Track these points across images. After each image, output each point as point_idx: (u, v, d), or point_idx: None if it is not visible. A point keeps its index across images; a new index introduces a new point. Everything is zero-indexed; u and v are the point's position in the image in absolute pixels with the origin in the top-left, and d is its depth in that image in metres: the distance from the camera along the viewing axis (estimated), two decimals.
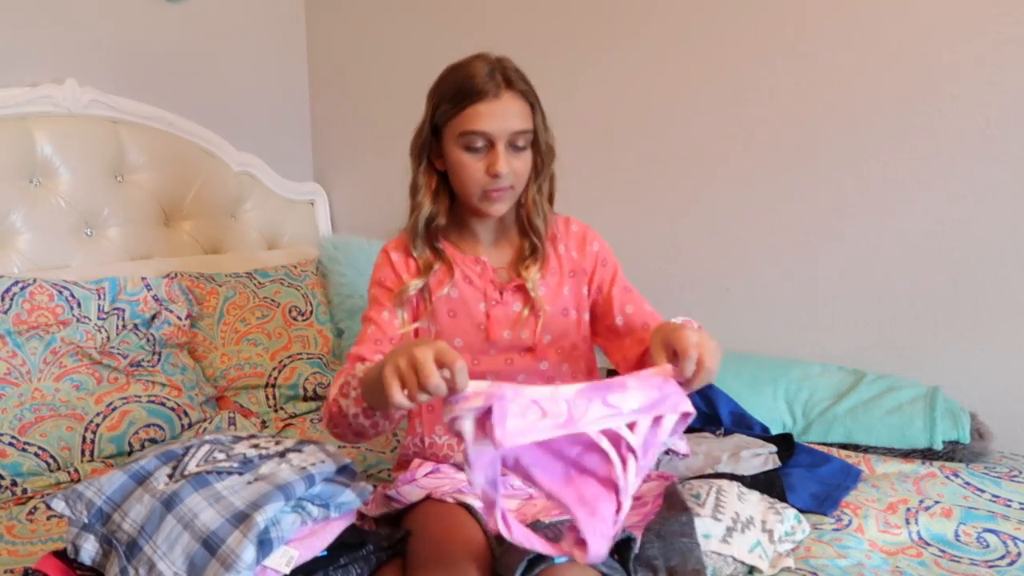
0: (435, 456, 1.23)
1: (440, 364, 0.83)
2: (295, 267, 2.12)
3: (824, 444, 1.56)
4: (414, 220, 1.23)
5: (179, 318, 1.78)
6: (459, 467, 1.21)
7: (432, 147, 1.21)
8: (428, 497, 1.14)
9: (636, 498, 1.19)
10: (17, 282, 1.61)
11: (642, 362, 1.16)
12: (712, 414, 1.61)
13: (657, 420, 0.89)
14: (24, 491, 1.40)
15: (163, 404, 1.60)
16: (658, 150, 1.94)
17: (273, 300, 1.97)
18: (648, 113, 1.94)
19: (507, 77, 1.15)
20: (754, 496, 1.25)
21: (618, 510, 0.87)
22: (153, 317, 1.75)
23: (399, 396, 0.85)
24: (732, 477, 1.29)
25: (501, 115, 1.14)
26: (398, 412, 1.04)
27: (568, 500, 0.87)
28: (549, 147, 1.22)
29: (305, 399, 1.90)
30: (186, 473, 0.99)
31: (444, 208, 1.24)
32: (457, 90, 1.15)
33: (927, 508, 1.28)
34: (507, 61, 1.18)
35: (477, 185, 1.17)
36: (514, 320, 1.22)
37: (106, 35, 1.96)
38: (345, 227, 2.47)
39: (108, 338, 1.66)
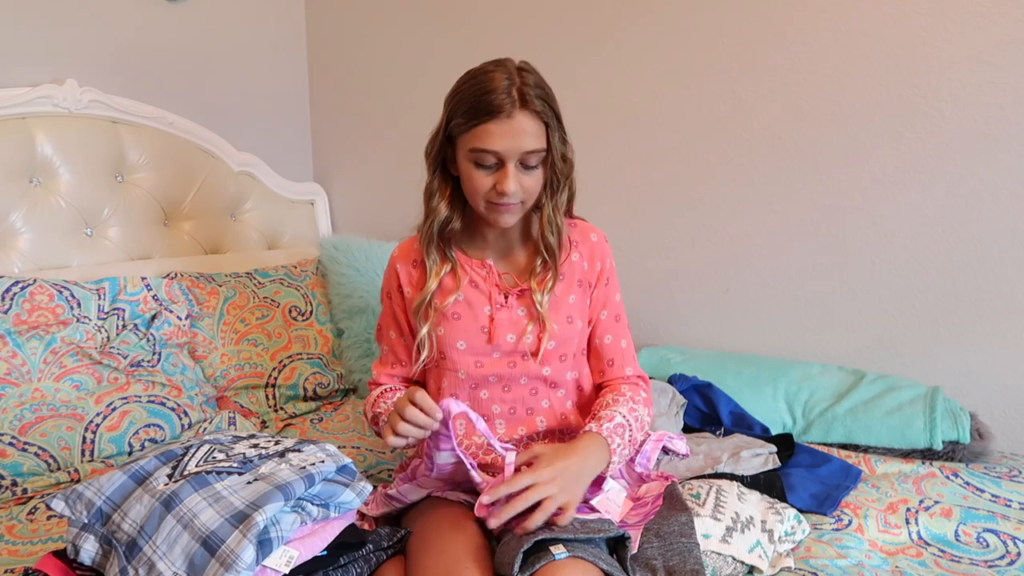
0: None
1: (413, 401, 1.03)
2: (295, 267, 2.12)
3: (824, 444, 1.56)
4: (429, 224, 1.23)
5: (179, 318, 1.78)
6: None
7: (447, 153, 1.20)
8: (429, 496, 1.14)
9: (636, 499, 1.19)
10: (17, 282, 1.61)
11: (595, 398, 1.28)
12: (712, 414, 1.62)
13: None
14: (24, 491, 1.40)
15: (163, 404, 1.60)
16: (657, 150, 1.95)
17: (273, 300, 1.97)
18: (647, 112, 1.94)
19: (523, 95, 1.11)
20: (754, 496, 1.25)
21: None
22: (153, 317, 1.75)
23: (392, 440, 1.05)
24: (732, 477, 1.29)
25: (512, 135, 1.11)
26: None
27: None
28: (566, 161, 1.19)
29: (305, 399, 1.90)
30: (186, 473, 0.99)
31: (458, 212, 1.23)
32: (471, 105, 1.13)
33: (927, 508, 1.28)
34: (527, 74, 1.14)
35: (484, 200, 1.16)
36: (518, 325, 1.21)
37: (106, 35, 1.96)
38: (345, 227, 2.47)
39: (108, 338, 1.66)
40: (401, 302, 1.28)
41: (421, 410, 1.03)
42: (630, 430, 1.16)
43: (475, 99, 1.12)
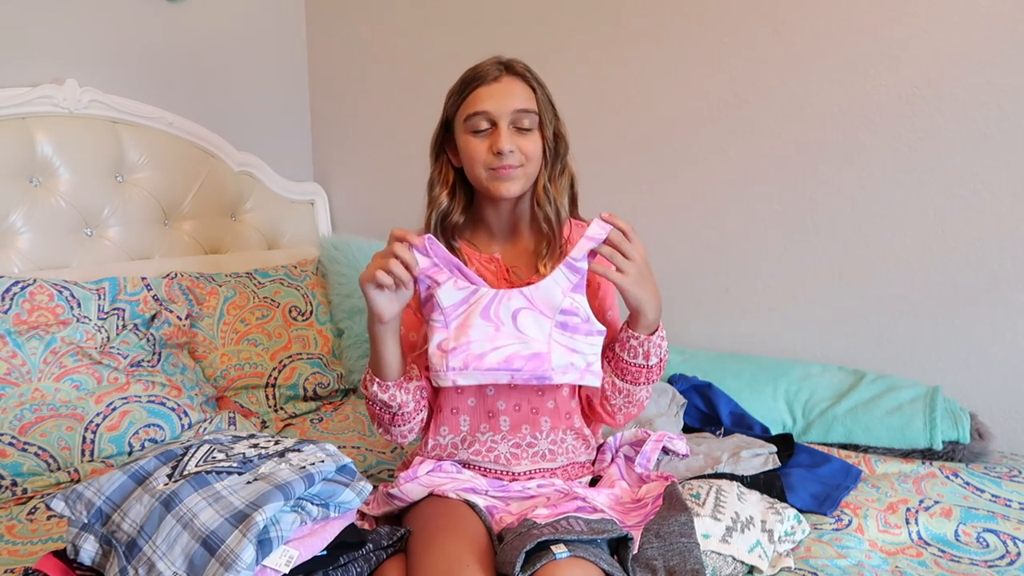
0: (438, 456, 1.23)
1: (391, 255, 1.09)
2: (295, 267, 2.12)
3: (824, 444, 1.56)
4: (429, 215, 1.25)
5: (179, 318, 1.78)
6: (464, 464, 1.22)
7: (447, 142, 1.24)
8: (430, 495, 1.14)
9: (636, 500, 1.19)
10: (17, 282, 1.61)
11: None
12: (712, 414, 1.62)
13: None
14: (24, 491, 1.40)
15: (163, 404, 1.60)
16: (657, 149, 1.94)
17: (273, 300, 1.97)
18: (647, 112, 1.94)
19: (509, 65, 1.20)
20: (754, 496, 1.25)
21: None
22: (153, 317, 1.75)
23: (384, 279, 1.08)
24: (732, 477, 1.29)
25: (501, 95, 1.17)
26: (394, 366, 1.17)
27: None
28: (560, 138, 1.23)
29: (305, 399, 1.90)
30: (185, 473, 0.99)
31: (460, 205, 1.25)
32: (462, 82, 1.21)
33: (927, 508, 1.28)
34: (518, 60, 1.22)
35: (483, 166, 1.18)
36: None
37: (106, 35, 1.96)
38: (345, 227, 2.47)
39: (108, 338, 1.66)
40: None
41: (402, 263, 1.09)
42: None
43: (465, 77, 1.21)
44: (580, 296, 1.12)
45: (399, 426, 1.22)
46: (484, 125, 1.17)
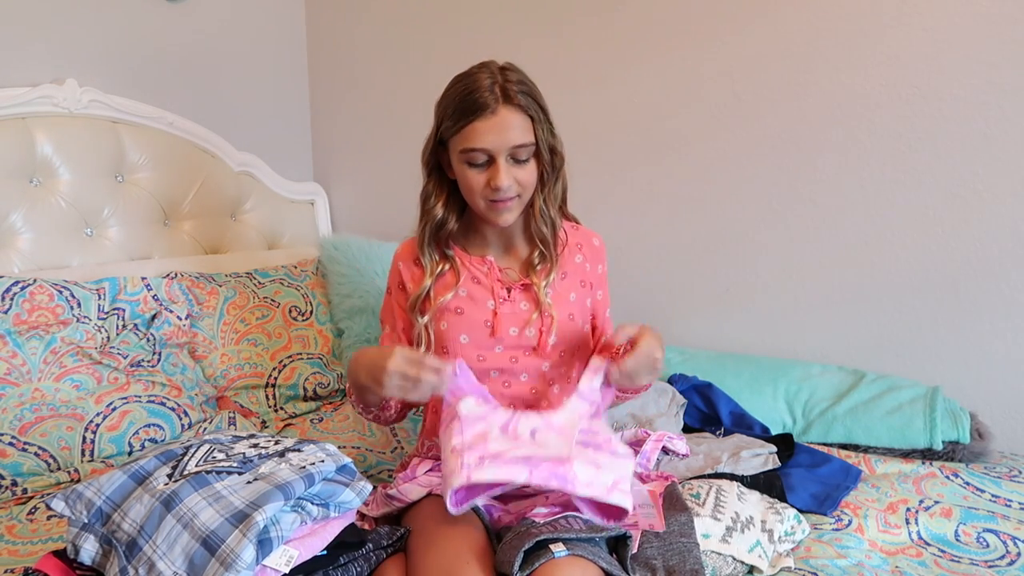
0: (436, 457, 1.24)
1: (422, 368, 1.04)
2: (295, 267, 2.12)
3: (824, 444, 1.56)
4: (423, 226, 1.25)
5: (179, 318, 1.78)
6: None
7: (441, 157, 1.23)
8: (429, 494, 1.14)
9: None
10: (17, 282, 1.61)
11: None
12: (712, 414, 1.62)
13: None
14: (24, 491, 1.39)
15: (163, 404, 1.60)
16: (657, 150, 1.94)
17: (273, 300, 1.97)
18: (647, 112, 1.94)
19: (505, 91, 1.14)
20: (754, 496, 1.25)
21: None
22: (153, 317, 1.75)
23: (416, 396, 1.07)
24: (732, 477, 1.29)
25: (499, 130, 1.14)
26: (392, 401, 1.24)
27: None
28: (556, 154, 1.21)
29: (305, 399, 1.90)
30: (185, 473, 0.99)
31: (455, 214, 1.26)
32: (457, 106, 1.16)
33: (927, 508, 1.29)
34: (511, 72, 1.17)
35: (481, 198, 1.18)
36: (521, 318, 1.22)
37: (106, 35, 1.96)
38: (345, 227, 2.47)
39: (108, 338, 1.66)
40: (403, 299, 1.29)
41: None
42: None
43: (460, 100, 1.16)
44: (598, 422, 1.10)
45: (387, 416, 1.28)
46: (482, 159, 1.16)
